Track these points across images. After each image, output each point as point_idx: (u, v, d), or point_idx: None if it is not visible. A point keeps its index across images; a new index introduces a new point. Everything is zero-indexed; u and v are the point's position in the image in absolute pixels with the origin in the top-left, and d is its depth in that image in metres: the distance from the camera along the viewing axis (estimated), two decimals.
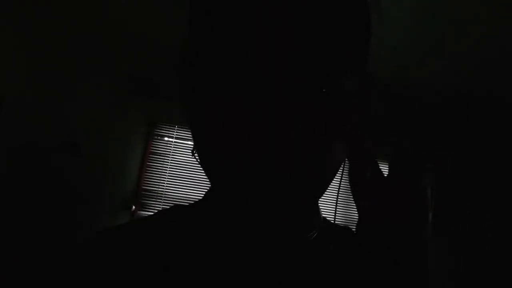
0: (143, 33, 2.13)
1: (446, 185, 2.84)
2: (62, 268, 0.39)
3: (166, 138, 2.64)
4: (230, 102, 0.33)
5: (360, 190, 0.34)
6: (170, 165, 2.60)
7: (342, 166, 0.42)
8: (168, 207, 0.47)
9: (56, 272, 0.39)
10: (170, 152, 2.62)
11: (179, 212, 0.45)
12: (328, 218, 0.50)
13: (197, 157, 0.38)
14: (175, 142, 2.61)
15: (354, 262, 0.43)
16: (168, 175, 2.59)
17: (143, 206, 2.52)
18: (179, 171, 2.60)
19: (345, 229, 0.49)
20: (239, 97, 0.32)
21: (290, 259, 0.39)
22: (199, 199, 0.46)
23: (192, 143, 0.38)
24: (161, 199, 2.53)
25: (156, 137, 2.64)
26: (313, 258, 0.40)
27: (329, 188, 0.38)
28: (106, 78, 2.52)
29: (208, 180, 0.38)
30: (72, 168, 2.35)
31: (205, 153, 0.36)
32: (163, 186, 2.57)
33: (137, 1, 1.96)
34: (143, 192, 2.54)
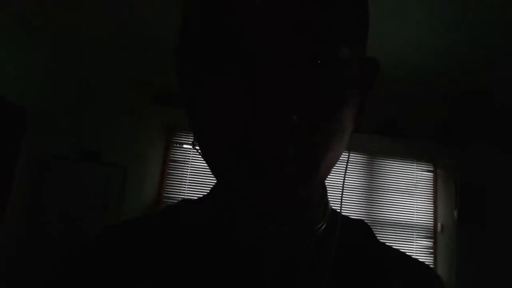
0: (161, 41, 2.16)
1: (471, 181, 2.77)
2: (65, 266, 0.40)
3: (185, 146, 2.66)
4: (223, 76, 0.31)
5: None
6: (190, 172, 2.62)
7: (347, 158, 0.41)
8: (176, 201, 0.47)
9: (59, 271, 0.40)
10: (189, 159, 2.64)
11: (186, 207, 0.45)
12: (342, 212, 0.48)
13: (198, 149, 0.37)
14: (194, 149, 2.63)
15: (361, 256, 0.42)
16: (189, 182, 2.61)
17: None
18: (200, 178, 2.62)
19: (357, 221, 0.47)
20: (233, 70, 0.31)
21: (297, 253, 0.38)
22: (207, 193, 0.45)
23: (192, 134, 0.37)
24: None
25: (175, 144, 2.66)
26: (319, 252, 0.39)
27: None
28: (125, 87, 2.56)
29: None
30: (94, 177, 2.39)
31: (203, 136, 0.34)
32: (184, 193, 2.59)
33: (157, 8, 1.98)
34: (165, 200, 2.56)
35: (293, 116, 0.30)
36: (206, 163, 0.36)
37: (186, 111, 0.38)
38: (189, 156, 2.65)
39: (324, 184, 0.43)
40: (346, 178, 0.44)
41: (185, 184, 2.61)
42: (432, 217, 2.88)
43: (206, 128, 0.33)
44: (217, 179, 0.38)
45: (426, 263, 0.48)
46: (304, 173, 0.33)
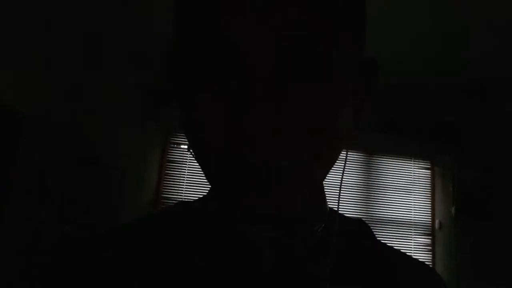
0: (160, 42, 2.16)
1: (475, 183, 2.77)
2: (61, 265, 0.40)
3: (182, 146, 2.66)
4: (213, 86, 0.31)
5: None
6: (188, 173, 2.62)
7: (344, 157, 0.40)
8: (173, 204, 0.47)
9: (54, 271, 0.40)
10: (187, 159, 2.64)
11: (184, 209, 0.44)
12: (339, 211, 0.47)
13: (193, 154, 0.36)
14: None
15: (361, 256, 0.41)
16: (186, 182, 2.61)
17: None
18: (197, 178, 2.61)
19: (356, 220, 0.47)
20: (222, 80, 0.31)
21: (296, 255, 0.37)
22: (204, 195, 0.45)
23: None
24: None
25: (172, 145, 2.66)
26: (318, 253, 0.38)
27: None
28: (123, 89, 2.55)
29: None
30: (92, 180, 2.39)
31: (197, 144, 0.34)
32: (182, 193, 2.59)
33: (156, 9, 1.98)
34: (163, 200, 2.56)
35: (287, 127, 0.30)
36: (200, 166, 0.36)
37: (180, 114, 0.37)
38: (187, 157, 2.64)
39: (322, 185, 0.43)
40: (344, 176, 0.43)
41: (182, 185, 2.61)
42: (430, 215, 2.88)
43: (199, 137, 0.33)
44: (211, 186, 0.38)
45: (424, 260, 0.47)
46: (300, 182, 0.32)
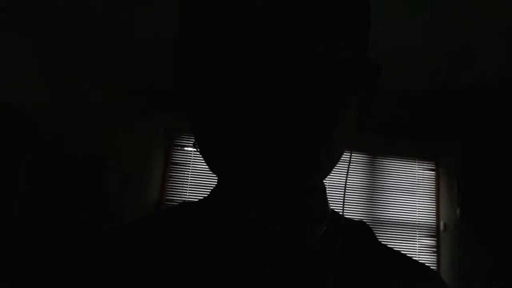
0: (161, 44, 2.16)
1: (474, 179, 2.76)
2: (64, 269, 0.40)
3: (186, 148, 2.66)
4: (225, 74, 0.31)
5: None
6: (192, 175, 2.62)
7: (349, 158, 0.40)
8: (176, 204, 0.47)
9: (58, 273, 0.40)
10: (190, 161, 2.64)
11: (185, 210, 0.45)
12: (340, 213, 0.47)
13: (198, 148, 0.37)
14: (195, 151, 2.63)
15: (361, 258, 0.41)
16: (190, 184, 2.61)
17: None
18: (201, 180, 2.62)
19: (358, 222, 0.47)
20: (234, 67, 0.31)
21: (297, 255, 0.37)
22: (207, 195, 0.45)
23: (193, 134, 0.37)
24: None
25: (176, 147, 2.66)
26: (319, 254, 0.38)
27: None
28: (126, 91, 2.56)
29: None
30: (96, 182, 2.39)
31: (203, 135, 0.34)
32: (186, 195, 2.59)
33: (158, 11, 1.98)
34: (166, 203, 2.56)
35: (298, 109, 0.30)
36: (206, 160, 0.36)
37: (186, 109, 0.38)
38: (190, 159, 2.65)
39: (324, 185, 0.43)
40: (348, 178, 0.44)
41: (186, 187, 2.61)
42: (434, 216, 2.87)
43: (211, 120, 0.33)
44: (218, 176, 0.38)
45: (429, 262, 0.47)
46: (307, 164, 0.33)
